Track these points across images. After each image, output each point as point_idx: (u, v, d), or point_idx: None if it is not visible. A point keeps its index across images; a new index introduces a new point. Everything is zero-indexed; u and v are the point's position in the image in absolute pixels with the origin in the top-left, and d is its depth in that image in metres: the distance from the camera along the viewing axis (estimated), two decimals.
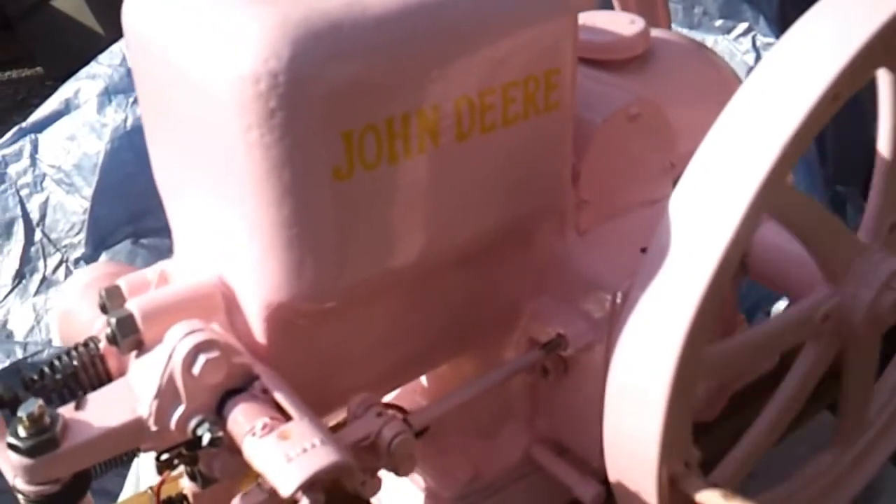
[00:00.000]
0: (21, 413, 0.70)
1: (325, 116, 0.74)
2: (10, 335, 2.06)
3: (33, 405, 0.70)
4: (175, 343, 0.74)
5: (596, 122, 0.97)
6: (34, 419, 0.70)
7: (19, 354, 1.96)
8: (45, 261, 2.15)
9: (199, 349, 0.73)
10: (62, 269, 2.14)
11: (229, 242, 0.82)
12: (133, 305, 0.78)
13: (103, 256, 2.12)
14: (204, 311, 0.80)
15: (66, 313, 0.92)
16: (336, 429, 1.00)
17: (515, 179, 0.90)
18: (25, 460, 0.70)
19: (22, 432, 0.70)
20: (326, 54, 0.73)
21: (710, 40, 2.01)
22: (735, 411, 1.14)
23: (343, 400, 0.92)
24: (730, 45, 1.99)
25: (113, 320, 0.76)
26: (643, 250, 0.95)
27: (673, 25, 1.99)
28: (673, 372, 0.79)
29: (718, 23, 2.02)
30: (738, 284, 1.15)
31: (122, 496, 1.45)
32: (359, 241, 0.81)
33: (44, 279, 2.14)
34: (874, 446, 1.21)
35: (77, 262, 2.14)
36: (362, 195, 0.79)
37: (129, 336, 0.77)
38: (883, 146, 0.94)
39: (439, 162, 0.82)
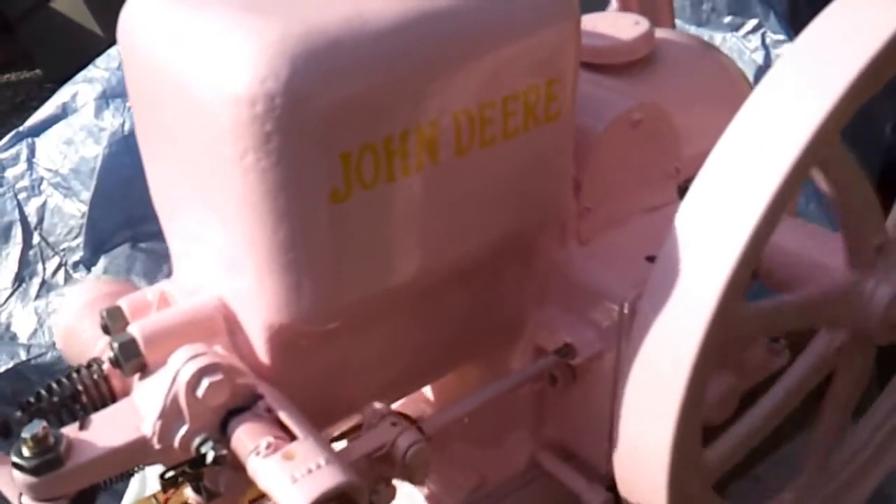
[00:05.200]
0: (25, 434, 0.72)
1: (322, 138, 0.74)
2: (13, 337, 2.08)
3: (37, 427, 0.72)
4: (179, 367, 0.76)
5: (597, 129, 0.98)
6: (38, 440, 0.72)
7: (23, 356, 1.99)
8: (43, 264, 2.17)
9: (202, 373, 0.75)
10: (61, 273, 2.17)
11: (228, 265, 0.83)
12: (135, 329, 0.80)
13: (102, 260, 2.14)
14: (206, 333, 0.82)
15: (69, 331, 0.94)
16: (344, 436, 1.02)
17: (516, 192, 0.90)
18: (30, 479, 0.73)
19: (26, 452, 0.73)
20: (325, 73, 0.73)
21: (718, 38, 2.01)
22: (743, 412, 1.16)
23: (347, 412, 0.95)
24: (738, 43, 1.99)
25: (116, 345, 0.79)
26: (649, 258, 0.96)
27: (680, 22, 2.00)
28: (686, 383, 0.80)
29: (727, 19, 2.02)
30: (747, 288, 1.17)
31: (127, 494, 1.49)
32: (358, 261, 0.82)
33: (43, 283, 2.16)
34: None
35: (76, 265, 2.17)
36: (360, 216, 0.79)
37: (131, 360, 0.79)
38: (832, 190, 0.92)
39: (438, 178, 0.82)
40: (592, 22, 1.12)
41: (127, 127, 2.11)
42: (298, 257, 0.78)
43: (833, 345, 0.97)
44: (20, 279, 2.17)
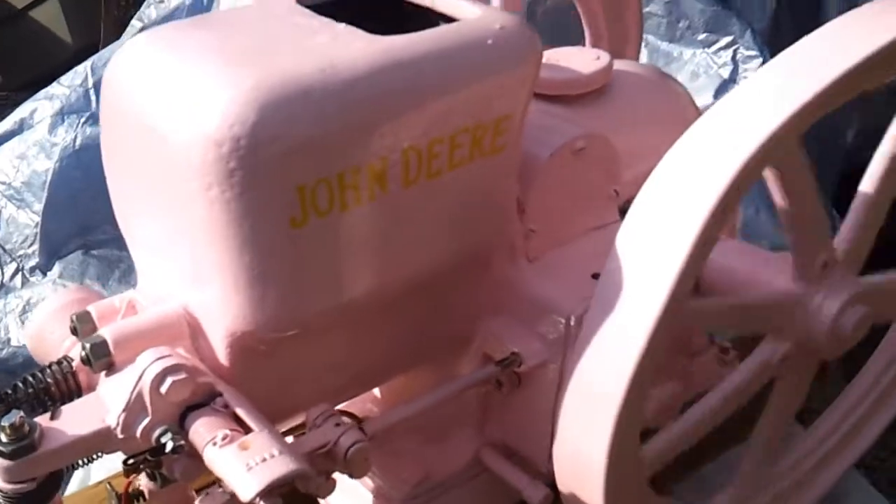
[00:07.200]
0: (4, 423, 0.88)
1: (280, 174, 0.89)
2: None
3: (14, 416, 0.88)
4: (146, 366, 0.91)
5: (542, 157, 1.14)
6: (15, 427, 0.88)
7: None
8: (1, 269, 2.35)
9: (167, 372, 0.91)
10: (19, 277, 2.36)
11: (193, 279, 0.98)
12: (106, 332, 0.95)
13: (57, 266, 2.33)
14: (170, 337, 0.97)
15: (38, 332, 1.09)
16: (290, 433, 1.17)
17: (461, 216, 1.06)
18: (5, 462, 0.88)
19: (3, 438, 0.88)
20: (289, 120, 0.87)
21: (688, 53, 2.18)
22: None
23: (301, 409, 1.09)
24: (708, 58, 2.16)
25: (87, 345, 0.94)
26: (594, 276, 1.11)
27: (654, 38, 2.17)
28: (624, 393, 0.92)
29: (701, 36, 2.19)
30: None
31: (72, 482, 1.66)
32: (317, 279, 0.97)
33: (2, 285, 2.36)
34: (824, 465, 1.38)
35: (33, 270, 2.36)
36: (317, 239, 0.94)
37: (101, 358, 0.94)
38: (781, 202, 1.02)
39: (388, 206, 0.97)
40: (556, 55, 1.29)
41: (78, 142, 2.32)
42: (262, 274, 0.93)
43: (777, 354, 1.09)
44: None
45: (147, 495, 1.07)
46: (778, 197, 1.00)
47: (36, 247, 2.34)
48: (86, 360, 0.95)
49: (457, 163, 1.01)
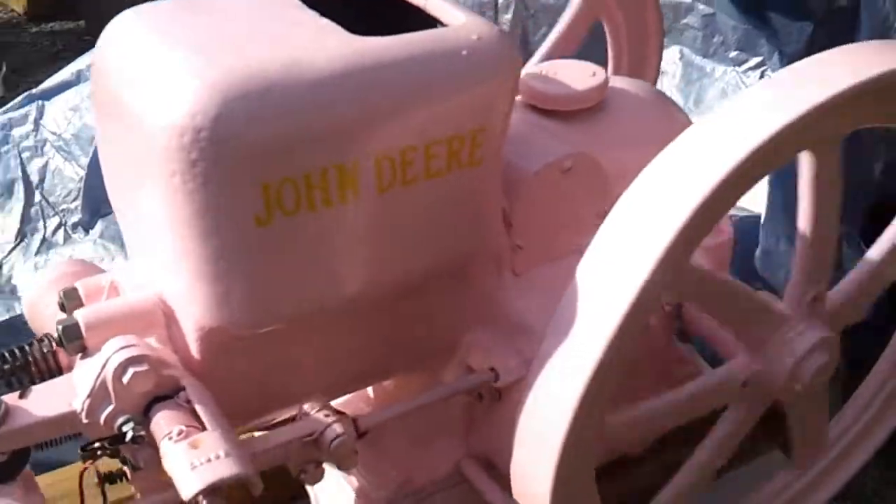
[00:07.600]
0: None
1: (243, 170, 0.89)
2: (13, 290, 2.32)
3: None
4: (109, 355, 0.93)
5: (528, 173, 1.13)
6: None
7: (18, 310, 2.19)
8: (44, 222, 2.40)
9: (129, 363, 0.93)
10: (61, 232, 2.39)
11: (166, 267, 0.99)
12: (80, 315, 0.97)
13: (99, 224, 2.36)
14: (144, 325, 0.99)
15: (34, 304, 1.13)
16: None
17: (440, 226, 1.05)
18: None
19: None
20: (251, 115, 0.87)
21: (719, 70, 2.16)
22: (665, 446, 1.28)
23: (283, 405, 1.11)
24: (738, 77, 2.13)
25: (60, 327, 0.97)
26: None
27: (688, 51, 2.15)
28: (570, 420, 0.93)
29: (733, 54, 2.17)
30: (670, 336, 1.31)
31: None
32: (286, 278, 0.97)
33: (44, 240, 2.39)
34: (835, 467, 1.37)
35: (75, 226, 2.38)
36: (284, 238, 0.94)
37: (73, 341, 0.97)
38: (802, 225, 1.06)
39: (360, 211, 0.97)
40: (554, 68, 1.28)
41: None
42: (226, 268, 0.93)
43: (744, 373, 1.09)
44: (22, 234, 2.39)
45: (129, 476, 1.10)
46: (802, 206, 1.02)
47: (79, 202, 2.38)
48: (59, 342, 0.97)
49: (434, 173, 1.00)
